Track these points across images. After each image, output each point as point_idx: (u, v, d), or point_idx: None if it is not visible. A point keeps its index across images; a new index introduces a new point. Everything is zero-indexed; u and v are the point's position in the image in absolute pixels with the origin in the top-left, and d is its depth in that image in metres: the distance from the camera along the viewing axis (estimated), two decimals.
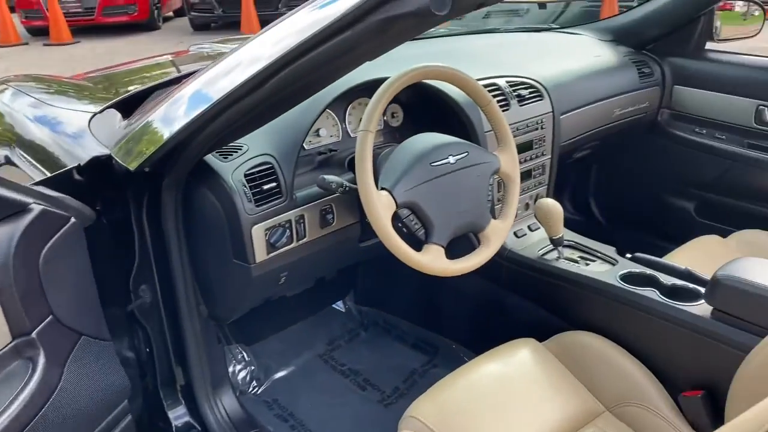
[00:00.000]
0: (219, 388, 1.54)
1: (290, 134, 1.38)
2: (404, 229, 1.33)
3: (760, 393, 1.13)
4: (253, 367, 1.90)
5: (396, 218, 1.30)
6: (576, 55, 2.12)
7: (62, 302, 1.04)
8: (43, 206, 1.01)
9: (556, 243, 1.62)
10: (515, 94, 1.75)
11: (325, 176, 1.34)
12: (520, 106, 1.74)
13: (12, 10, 9.10)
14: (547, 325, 1.55)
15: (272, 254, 1.35)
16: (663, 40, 2.28)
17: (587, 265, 1.61)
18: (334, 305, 2.18)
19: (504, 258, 1.70)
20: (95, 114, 1.43)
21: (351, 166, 1.52)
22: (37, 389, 0.99)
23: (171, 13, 11.33)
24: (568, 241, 1.68)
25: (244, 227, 1.29)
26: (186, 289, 1.39)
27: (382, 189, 1.27)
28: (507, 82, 1.76)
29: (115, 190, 1.27)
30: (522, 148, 1.74)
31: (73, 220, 1.07)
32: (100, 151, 1.27)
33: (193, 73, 1.17)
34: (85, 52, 8.17)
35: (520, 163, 1.67)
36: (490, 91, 1.58)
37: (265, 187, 1.31)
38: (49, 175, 1.23)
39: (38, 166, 1.37)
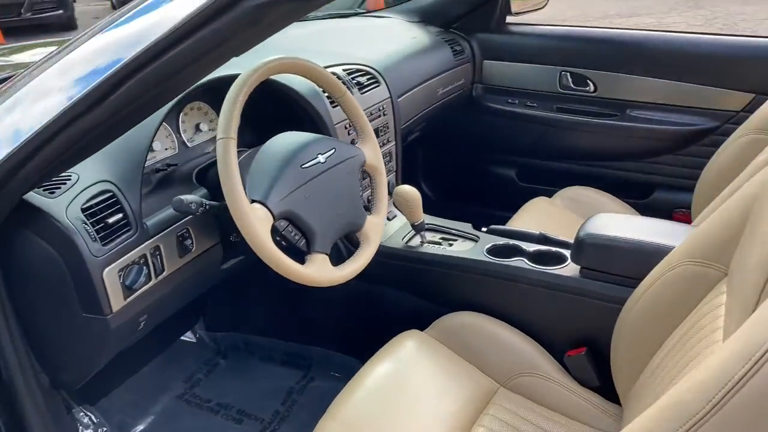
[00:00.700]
0: None
1: (127, 153, 1.16)
2: (283, 243, 1.20)
3: (639, 340, 1.20)
4: (105, 429, 1.62)
5: (273, 232, 1.16)
6: (395, 38, 2.10)
7: None
8: None
9: (418, 228, 1.58)
10: (354, 81, 1.67)
11: (182, 197, 1.15)
12: (361, 93, 1.67)
13: None
14: (424, 312, 1.52)
15: (130, 298, 1.13)
16: (467, 18, 2.35)
17: (451, 245, 1.60)
18: (182, 337, 1.95)
19: None
20: None
21: (201, 180, 1.34)
22: None
23: None
24: (427, 224, 1.66)
25: (92, 273, 1.06)
26: (19, 359, 1.11)
27: (254, 201, 1.12)
28: (344, 70, 1.67)
29: None
30: None
31: None
32: None
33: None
34: None
35: None
36: None
37: (110, 220, 1.09)
38: None
39: None
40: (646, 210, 2.12)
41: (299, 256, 1.19)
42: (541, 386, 1.32)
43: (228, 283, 1.53)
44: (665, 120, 2.15)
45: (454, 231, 1.65)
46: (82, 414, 1.61)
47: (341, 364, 1.77)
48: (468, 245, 1.58)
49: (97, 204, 1.09)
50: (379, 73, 1.78)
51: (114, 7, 10.00)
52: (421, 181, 2.61)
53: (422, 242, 1.60)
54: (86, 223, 1.05)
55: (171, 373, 1.85)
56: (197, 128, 1.46)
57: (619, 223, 1.41)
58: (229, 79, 1.17)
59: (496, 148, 2.45)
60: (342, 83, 1.34)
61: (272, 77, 1.43)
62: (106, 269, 1.08)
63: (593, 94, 2.24)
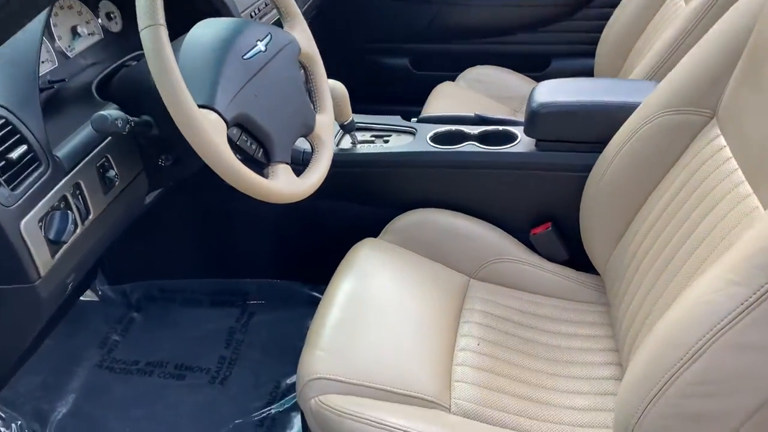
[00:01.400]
0: None
1: (12, 65, 0.85)
2: (238, 156, 0.97)
3: (615, 203, 1.16)
4: (19, 422, 1.33)
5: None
6: None
7: None
8: None
9: (348, 128, 1.40)
10: None
11: (104, 113, 0.87)
12: None
13: None
14: (372, 220, 1.38)
15: (58, 255, 0.87)
16: None
17: (386, 142, 1.45)
18: (81, 298, 1.64)
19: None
20: None
21: (104, 94, 1.04)
22: None
23: None
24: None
25: (7, 228, 0.78)
26: None
27: (199, 107, 0.88)
28: None
29: None
30: None
31: None
32: None
33: None
34: None
35: None
36: None
37: (12, 155, 0.80)
38: None
39: None
40: None
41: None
42: (512, 270, 1.27)
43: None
44: None
45: (385, 126, 1.49)
46: None
47: (284, 291, 1.59)
48: (406, 139, 1.43)
49: None
50: None
51: None
52: None
53: (354, 143, 1.42)
54: None
55: (79, 341, 1.56)
56: (74, 32, 1.13)
57: (570, 87, 1.34)
58: None
59: (388, 36, 2.27)
60: None
61: None
62: (23, 220, 0.80)
63: None
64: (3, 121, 0.81)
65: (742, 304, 0.66)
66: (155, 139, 0.91)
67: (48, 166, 0.85)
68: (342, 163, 1.40)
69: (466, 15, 2.17)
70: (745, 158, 0.90)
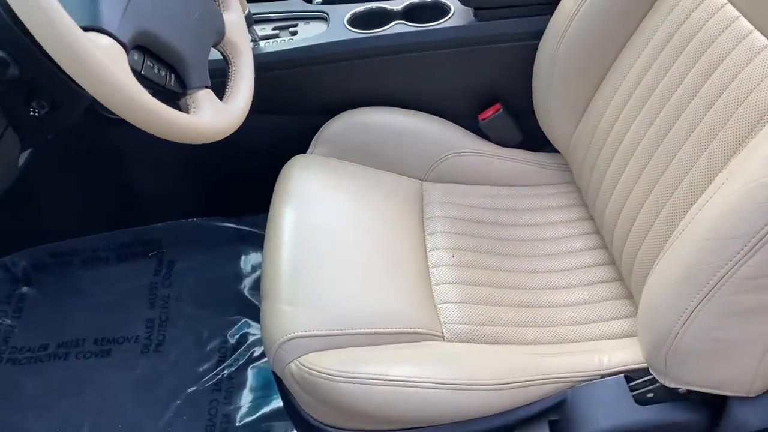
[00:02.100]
0: None
1: None
2: (149, 89, 0.73)
3: (577, 68, 1.06)
4: None
5: None
6: None
7: None
8: None
9: (247, 23, 1.16)
10: None
11: None
12: None
13: None
14: (297, 131, 1.19)
15: None
16: None
17: (295, 33, 1.22)
18: None
19: None
20: None
21: None
22: None
23: None
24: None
25: None
26: None
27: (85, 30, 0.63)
28: None
29: None
30: None
31: None
32: None
33: None
34: None
35: None
36: None
37: None
38: None
39: None
40: None
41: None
42: (465, 164, 1.17)
43: None
44: None
45: (289, 14, 1.26)
46: None
47: (204, 230, 1.39)
48: (318, 27, 1.21)
49: None
50: None
51: None
52: None
53: (255, 40, 1.18)
54: None
55: None
56: None
57: None
58: None
59: None
60: None
61: None
62: None
63: None
64: None
65: None
66: (16, 82, 0.66)
67: None
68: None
69: None
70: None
